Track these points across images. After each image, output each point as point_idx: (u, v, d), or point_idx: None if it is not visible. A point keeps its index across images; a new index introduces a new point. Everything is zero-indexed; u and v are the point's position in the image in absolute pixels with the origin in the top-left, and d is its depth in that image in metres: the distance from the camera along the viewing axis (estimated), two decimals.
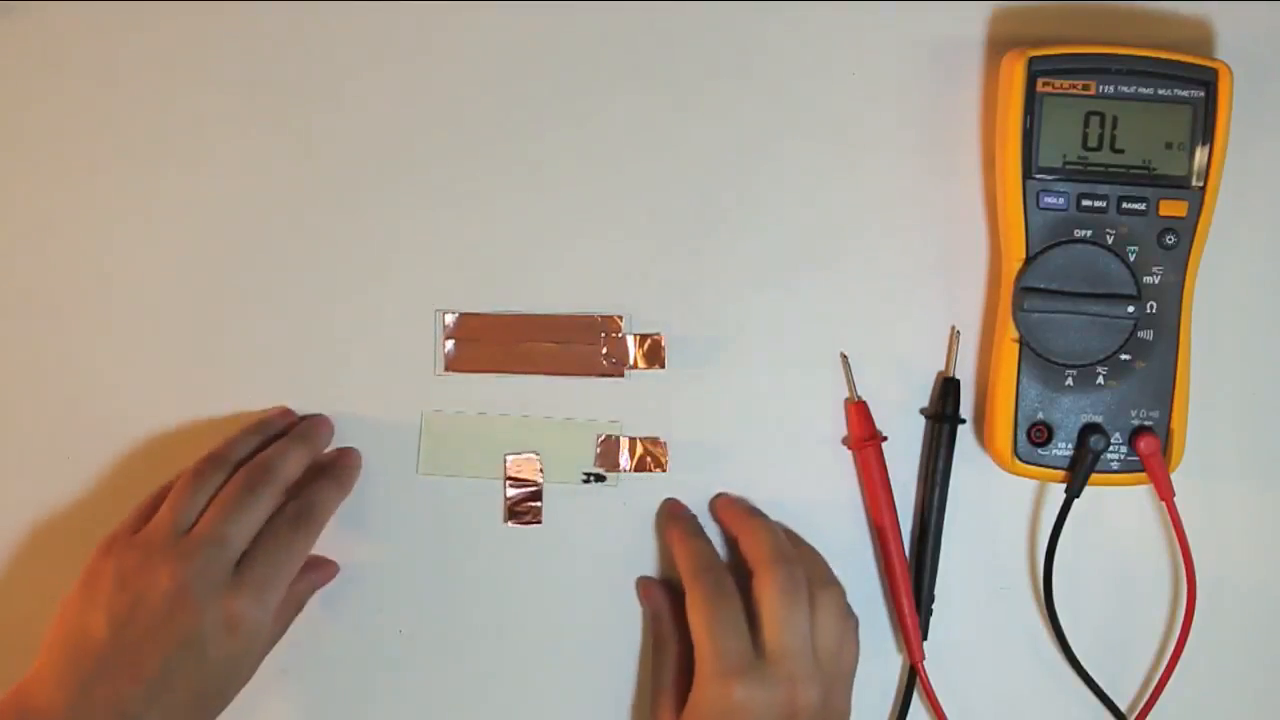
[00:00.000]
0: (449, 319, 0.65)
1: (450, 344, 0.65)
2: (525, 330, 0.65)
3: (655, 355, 0.65)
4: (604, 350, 0.65)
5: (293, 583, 0.60)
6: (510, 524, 0.64)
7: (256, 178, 0.65)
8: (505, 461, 0.64)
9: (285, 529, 0.59)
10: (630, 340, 0.65)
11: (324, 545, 0.62)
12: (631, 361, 0.65)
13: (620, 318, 0.65)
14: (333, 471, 0.63)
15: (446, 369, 0.65)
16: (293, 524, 0.60)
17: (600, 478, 0.64)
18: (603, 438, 0.64)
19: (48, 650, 0.57)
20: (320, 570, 0.64)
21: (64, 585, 0.58)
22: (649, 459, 0.64)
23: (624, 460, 0.64)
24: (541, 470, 0.64)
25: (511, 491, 0.64)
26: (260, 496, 0.59)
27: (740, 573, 0.60)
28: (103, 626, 0.56)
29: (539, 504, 0.64)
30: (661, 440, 0.64)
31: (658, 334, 0.65)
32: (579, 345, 0.65)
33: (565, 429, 0.64)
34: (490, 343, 0.65)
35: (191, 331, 0.65)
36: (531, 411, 0.65)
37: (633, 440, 0.64)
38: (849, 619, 0.60)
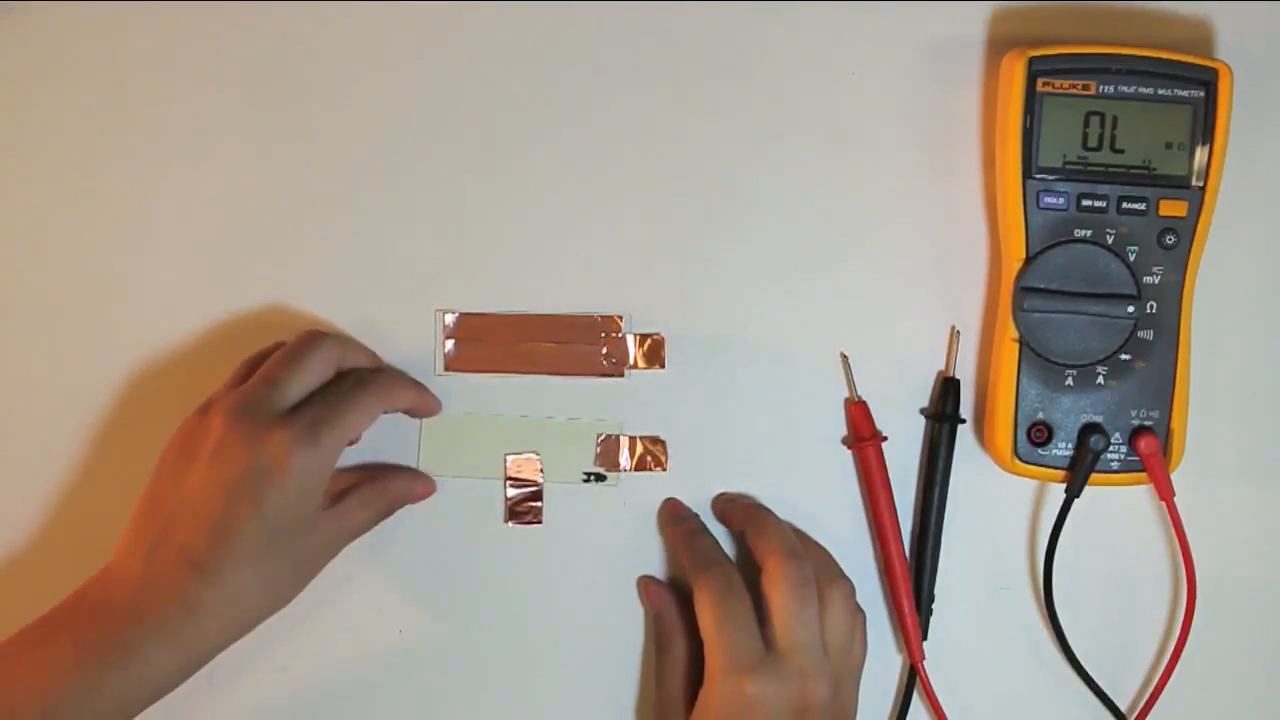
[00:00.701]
0: (449, 319, 0.65)
1: (450, 344, 0.65)
2: (525, 330, 0.65)
3: (655, 355, 0.65)
4: (604, 350, 0.65)
5: (385, 480, 0.61)
6: (511, 524, 0.64)
7: (256, 177, 0.65)
8: (505, 461, 0.64)
9: (347, 383, 0.60)
10: (630, 340, 0.65)
11: None
12: (631, 361, 0.65)
13: (620, 318, 0.65)
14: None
15: (446, 369, 0.65)
16: (356, 381, 0.60)
17: (601, 477, 0.64)
18: (603, 437, 0.64)
19: (127, 528, 0.58)
20: (417, 480, 0.64)
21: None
22: (649, 458, 0.64)
23: (624, 460, 0.64)
24: (542, 470, 0.64)
25: (512, 491, 0.64)
26: (316, 353, 0.59)
27: (746, 569, 0.60)
28: (167, 485, 0.57)
29: (539, 504, 0.64)
30: (662, 439, 0.64)
31: (658, 334, 0.65)
32: (579, 345, 0.65)
33: (565, 429, 0.64)
34: (490, 343, 0.65)
35: (191, 331, 0.65)
36: (531, 411, 0.65)
37: (633, 439, 0.64)
38: (858, 614, 0.60)
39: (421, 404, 0.64)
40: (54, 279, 0.65)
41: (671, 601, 0.63)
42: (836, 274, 0.65)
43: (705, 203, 0.64)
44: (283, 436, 0.56)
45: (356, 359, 0.62)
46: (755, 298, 0.65)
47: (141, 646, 0.55)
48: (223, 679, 0.64)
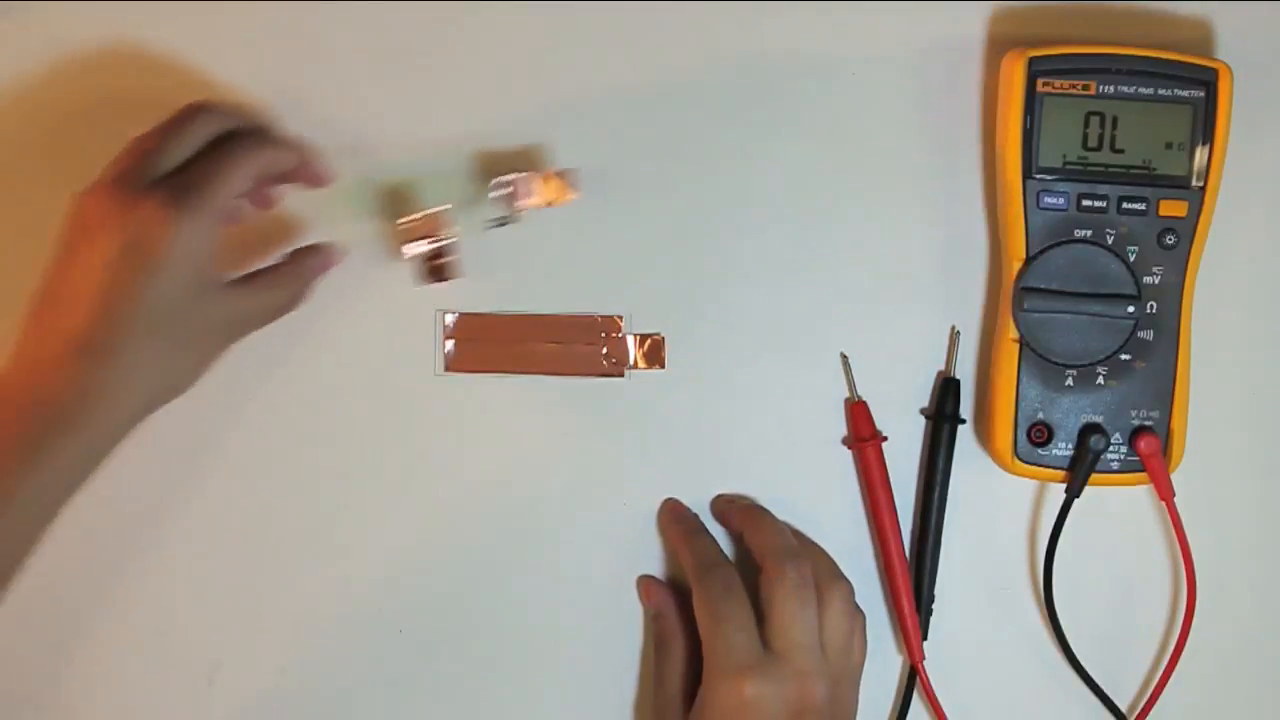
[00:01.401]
0: (449, 319, 0.65)
1: (450, 344, 0.65)
2: (525, 330, 0.65)
3: (655, 355, 0.65)
4: (604, 350, 0.65)
5: (294, 258, 0.60)
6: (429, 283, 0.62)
7: None
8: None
9: (227, 142, 0.57)
10: (630, 340, 0.65)
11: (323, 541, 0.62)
12: (631, 361, 0.65)
13: (620, 318, 0.65)
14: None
15: (446, 369, 0.65)
16: (231, 141, 0.57)
17: (502, 222, 0.61)
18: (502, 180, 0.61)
19: (25, 320, 0.56)
20: (324, 252, 0.62)
21: None
22: (556, 192, 0.61)
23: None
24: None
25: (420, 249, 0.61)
26: (196, 120, 0.57)
27: (745, 570, 0.60)
28: (53, 275, 0.56)
29: (453, 258, 0.61)
30: (565, 172, 0.62)
31: (658, 334, 0.65)
32: (579, 345, 0.65)
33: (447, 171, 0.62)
34: (490, 343, 0.65)
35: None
36: (532, 415, 0.65)
37: (537, 176, 0.61)
38: (857, 615, 0.60)
39: (307, 166, 0.60)
40: None
41: (671, 601, 0.63)
42: (836, 274, 0.65)
43: (705, 202, 0.64)
44: (154, 202, 0.54)
45: (239, 123, 0.59)
46: (755, 298, 0.65)
47: (42, 440, 0.54)
48: (223, 679, 0.64)
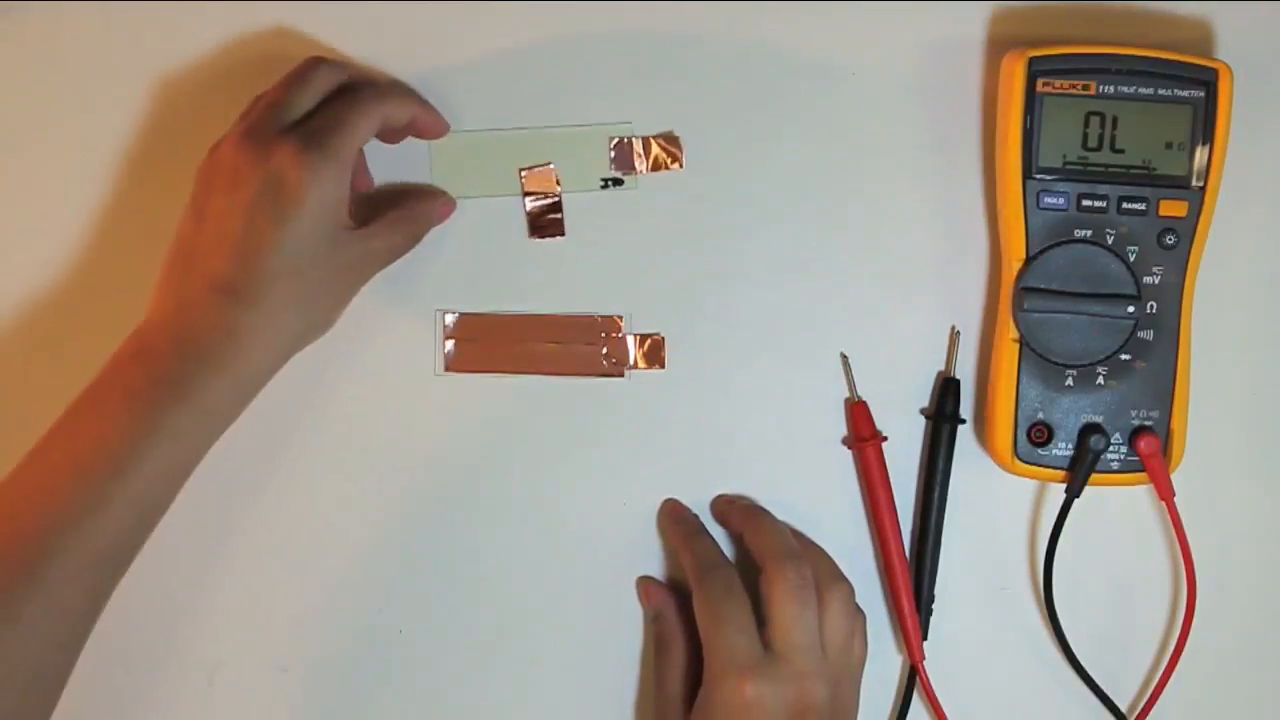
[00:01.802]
0: (449, 319, 0.65)
1: (450, 344, 0.65)
2: (525, 330, 0.65)
3: (655, 355, 0.65)
4: (604, 350, 0.65)
5: (409, 203, 0.62)
6: (534, 238, 0.64)
7: None
8: (520, 176, 0.64)
9: (352, 91, 0.60)
10: (630, 340, 0.65)
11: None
12: (632, 361, 0.65)
13: (620, 318, 0.65)
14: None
15: (446, 369, 0.65)
16: (355, 89, 0.60)
17: (618, 182, 0.64)
18: (615, 140, 0.64)
19: (158, 278, 0.59)
20: (438, 199, 0.64)
21: None
22: (666, 157, 0.63)
23: (640, 162, 0.64)
24: (559, 180, 0.64)
25: (530, 204, 0.64)
26: (319, 73, 0.59)
27: (745, 570, 0.60)
28: (190, 223, 0.58)
29: (560, 215, 0.64)
30: (676, 135, 0.64)
31: (658, 334, 0.65)
32: (579, 345, 0.65)
33: (576, 135, 0.64)
34: (490, 343, 0.65)
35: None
36: (532, 415, 0.65)
37: (646, 140, 0.64)
38: (857, 616, 0.60)
39: (426, 117, 0.63)
40: (53, 279, 0.65)
41: (671, 602, 0.63)
42: (836, 274, 0.65)
43: (705, 202, 0.64)
44: (289, 148, 0.56)
45: (359, 76, 0.62)
46: (755, 298, 0.65)
47: (191, 378, 0.56)
48: (223, 679, 0.64)
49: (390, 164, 0.65)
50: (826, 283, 0.65)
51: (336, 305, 0.61)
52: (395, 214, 0.61)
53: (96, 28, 0.65)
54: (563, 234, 0.64)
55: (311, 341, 0.60)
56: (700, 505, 0.65)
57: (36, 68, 0.65)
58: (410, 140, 0.64)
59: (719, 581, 0.60)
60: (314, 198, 0.56)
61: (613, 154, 0.64)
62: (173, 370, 0.56)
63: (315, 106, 0.59)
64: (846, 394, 0.65)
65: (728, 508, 0.64)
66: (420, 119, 0.62)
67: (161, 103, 0.65)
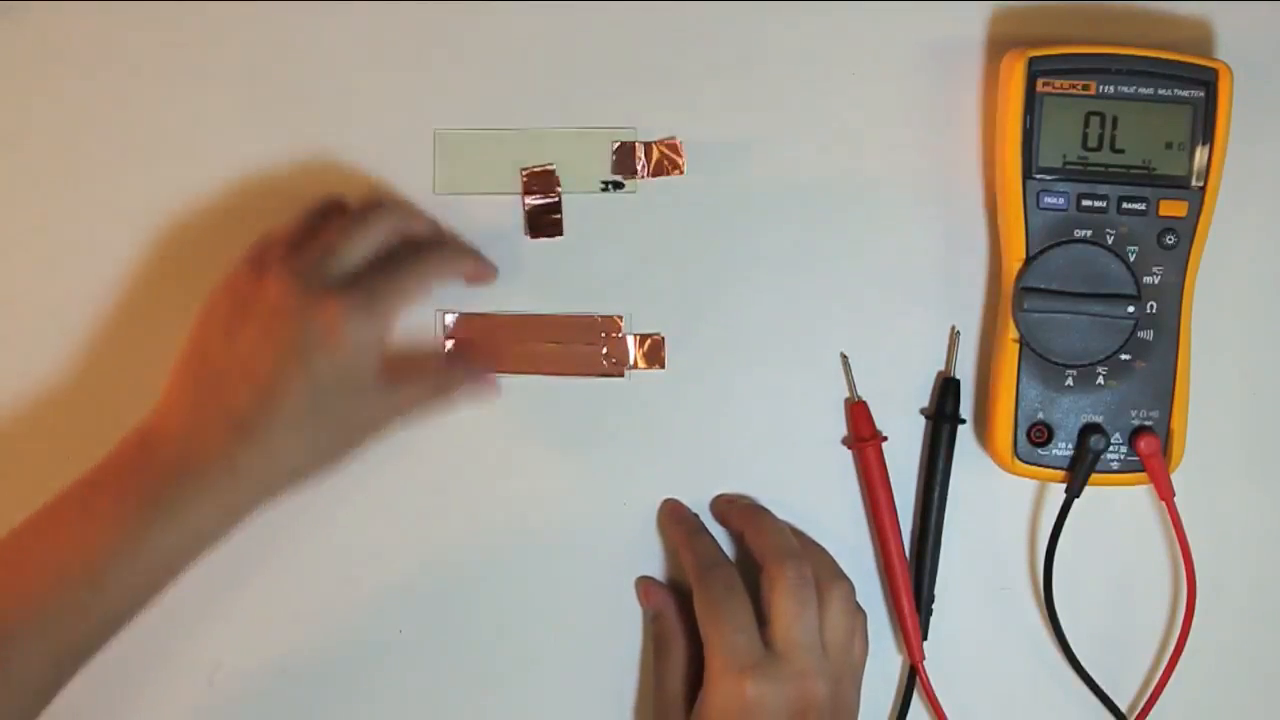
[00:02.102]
0: (449, 319, 0.65)
1: (450, 344, 0.65)
2: (525, 330, 0.65)
3: (655, 355, 0.65)
4: (604, 350, 0.65)
5: (448, 370, 0.62)
6: (531, 237, 0.64)
7: (256, 178, 0.65)
8: (521, 175, 0.64)
9: (406, 254, 0.59)
10: (630, 340, 0.65)
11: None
12: (632, 361, 0.65)
13: (620, 318, 0.65)
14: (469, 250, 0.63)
15: None
16: (414, 249, 0.60)
17: (619, 185, 0.64)
18: (618, 144, 0.64)
19: (170, 378, 0.58)
20: (478, 377, 0.63)
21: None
22: (666, 163, 0.63)
23: (641, 166, 0.64)
24: (559, 181, 0.64)
25: (530, 203, 0.63)
26: (376, 221, 0.59)
27: (745, 570, 0.60)
28: (218, 341, 0.57)
29: (559, 215, 0.64)
30: (677, 142, 0.64)
31: (658, 334, 0.65)
32: (579, 345, 0.65)
33: (578, 137, 0.64)
34: (490, 343, 0.65)
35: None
36: (532, 415, 0.65)
37: (649, 145, 0.64)
38: (858, 614, 0.61)
39: (476, 272, 0.63)
40: (53, 279, 0.65)
41: (670, 601, 0.63)
42: (836, 274, 0.65)
43: (706, 205, 0.64)
44: (338, 306, 0.56)
45: (416, 227, 0.62)
46: (755, 298, 0.65)
47: (184, 501, 0.56)
48: (223, 679, 0.64)
49: (391, 163, 0.64)
50: (826, 283, 0.65)
51: (347, 450, 0.60)
52: (430, 379, 0.61)
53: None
54: (561, 234, 0.64)
55: (315, 479, 0.59)
56: (700, 505, 0.65)
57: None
58: (410, 140, 0.64)
59: (719, 580, 0.60)
60: (349, 358, 0.57)
61: (614, 157, 0.64)
62: (169, 491, 0.56)
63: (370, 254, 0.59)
64: (846, 394, 0.65)
65: (728, 507, 0.64)
66: (470, 275, 0.63)
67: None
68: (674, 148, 0.64)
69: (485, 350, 0.65)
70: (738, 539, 0.64)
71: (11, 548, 0.56)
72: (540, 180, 0.64)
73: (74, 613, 0.55)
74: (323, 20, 0.65)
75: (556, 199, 0.64)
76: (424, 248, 0.60)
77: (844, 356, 0.65)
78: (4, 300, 0.65)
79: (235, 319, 0.57)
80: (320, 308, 0.56)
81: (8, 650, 0.54)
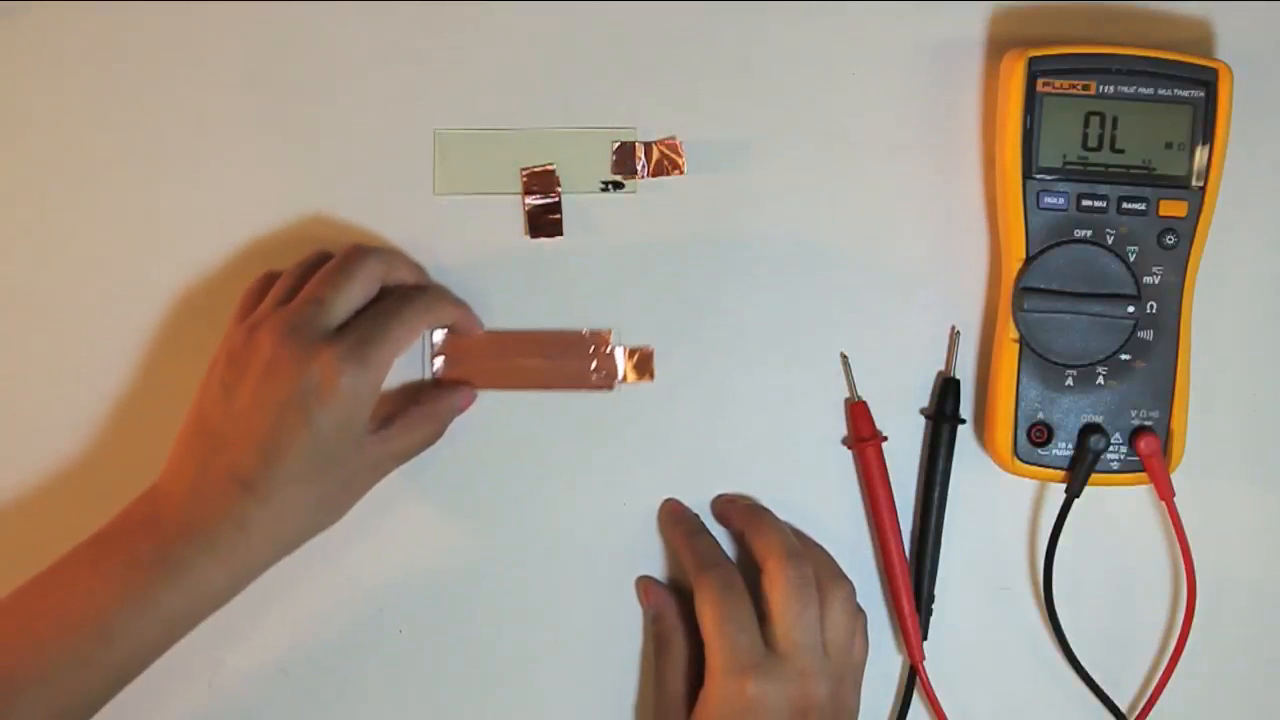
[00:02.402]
0: (438, 335, 0.65)
1: (439, 360, 0.65)
2: (514, 346, 0.64)
3: (645, 367, 0.65)
4: (593, 365, 0.64)
5: (429, 402, 0.62)
6: (531, 237, 0.64)
7: (255, 179, 0.65)
8: (521, 175, 0.64)
9: (393, 301, 0.60)
10: (620, 353, 0.64)
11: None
12: (621, 375, 0.64)
13: (609, 332, 0.64)
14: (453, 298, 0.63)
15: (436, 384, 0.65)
16: (402, 298, 0.60)
17: (619, 185, 0.64)
18: (618, 144, 0.64)
19: (176, 441, 0.59)
20: (457, 394, 0.64)
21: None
22: (666, 163, 0.63)
23: (641, 166, 0.64)
24: (559, 180, 0.64)
25: (530, 203, 0.63)
26: (362, 270, 0.59)
27: (746, 569, 0.61)
28: (218, 401, 0.58)
29: (559, 215, 0.64)
30: (677, 141, 0.64)
31: (647, 346, 0.64)
32: (568, 360, 0.64)
33: (579, 137, 0.64)
34: (479, 359, 0.64)
35: (193, 333, 0.64)
36: (532, 415, 0.65)
37: (649, 145, 0.64)
38: (858, 615, 0.61)
39: (464, 322, 0.64)
40: (54, 278, 0.65)
41: (670, 601, 0.63)
42: (836, 274, 0.65)
43: (706, 204, 0.64)
44: (331, 356, 0.57)
45: (401, 274, 0.62)
46: (756, 298, 0.65)
47: (192, 562, 0.56)
48: (222, 680, 0.64)
49: (391, 163, 0.64)
50: (826, 283, 0.65)
51: (350, 502, 0.61)
52: (417, 411, 0.62)
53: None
54: (561, 234, 0.64)
55: (318, 534, 0.60)
56: (700, 505, 0.65)
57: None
58: (411, 140, 0.64)
59: (720, 580, 0.60)
60: (347, 408, 0.57)
61: (614, 157, 0.64)
62: (177, 552, 0.56)
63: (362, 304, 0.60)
64: (846, 394, 0.65)
65: (728, 507, 0.64)
66: (459, 322, 0.63)
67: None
68: (674, 148, 0.64)
69: (474, 367, 0.64)
70: (738, 539, 0.64)
71: (21, 602, 0.57)
72: (540, 180, 0.64)
73: (81, 666, 0.55)
74: (323, 20, 0.65)
75: (556, 199, 0.64)
76: (411, 294, 0.61)
77: (844, 356, 0.65)
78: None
79: (232, 378, 0.58)
80: (315, 360, 0.56)
81: (15, 701, 0.54)
